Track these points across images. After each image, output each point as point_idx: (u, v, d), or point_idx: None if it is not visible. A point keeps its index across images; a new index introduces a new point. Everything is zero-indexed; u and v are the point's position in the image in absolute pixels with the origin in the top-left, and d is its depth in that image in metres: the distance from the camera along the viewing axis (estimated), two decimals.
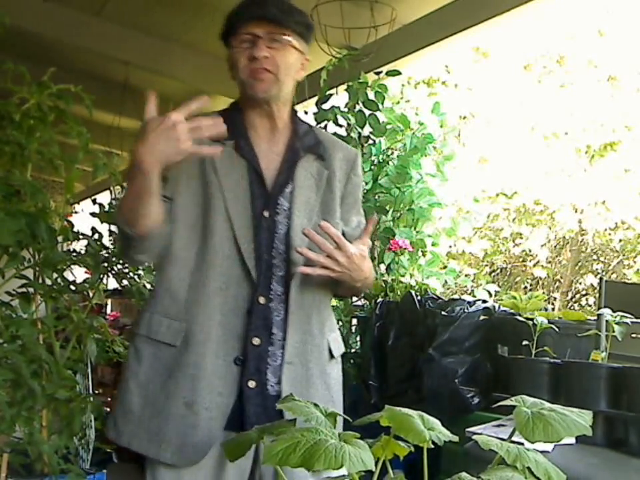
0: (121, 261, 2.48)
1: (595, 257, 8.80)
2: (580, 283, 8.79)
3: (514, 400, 1.01)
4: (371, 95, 3.28)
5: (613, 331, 1.91)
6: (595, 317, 2.01)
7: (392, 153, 3.30)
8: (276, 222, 1.45)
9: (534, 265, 8.83)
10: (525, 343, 2.05)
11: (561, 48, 7.84)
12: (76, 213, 3.31)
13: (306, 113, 3.39)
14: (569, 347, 2.06)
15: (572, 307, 8.46)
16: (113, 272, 2.51)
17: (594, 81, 7.62)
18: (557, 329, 2.05)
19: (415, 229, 3.20)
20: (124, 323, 5.32)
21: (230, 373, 1.39)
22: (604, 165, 7.64)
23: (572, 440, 1.72)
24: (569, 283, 8.73)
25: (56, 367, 2.09)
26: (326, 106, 3.36)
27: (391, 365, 2.63)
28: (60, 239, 2.19)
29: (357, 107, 3.29)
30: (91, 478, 2.34)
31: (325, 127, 3.26)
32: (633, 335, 2.01)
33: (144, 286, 2.66)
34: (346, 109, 3.32)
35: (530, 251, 8.65)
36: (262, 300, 1.42)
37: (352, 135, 3.27)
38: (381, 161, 3.28)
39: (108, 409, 1.42)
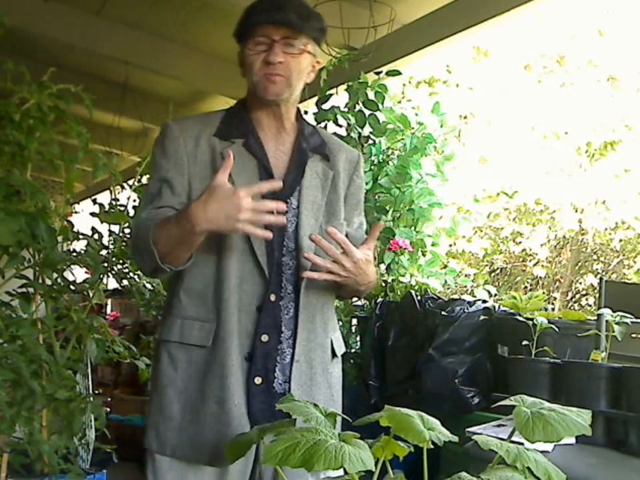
0: (121, 261, 2.48)
1: (595, 256, 8.79)
2: (580, 283, 8.77)
3: (514, 400, 1.01)
4: (371, 95, 3.28)
5: (613, 331, 1.91)
6: (595, 317, 2.01)
7: (392, 153, 3.31)
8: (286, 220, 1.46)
9: (534, 265, 8.82)
10: (525, 343, 2.05)
11: (560, 48, 7.83)
12: (76, 212, 3.32)
13: (306, 112, 3.38)
14: (568, 347, 2.06)
15: (572, 307, 8.44)
16: (113, 272, 2.51)
17: (594, 81, 7.61)
18: (556, 329, 2.05)
19: (415, 228, 3.20)
20: (124, 323, 5.32)
21: (240, 369, 1.40)
22: (604, 165, 7.63)
23: (572, 440, 1.72)
24: (569, 283, 8.72)
25: (56, 367, 2.09)
26: (326, 106, 3.36)
27: (391, 365, 2.63)
28: (60, 238, 2.19)
29: (357, 107, 3.29)
30: (90, 478, 2.34)
31: (325, 127, 3.26)
32: (633, 335, 2.02)
33: (144, 286, 2.67)
34: (346, 109, 3.32)
35: (530, 250, 8.64)
36: (273, 297, 1.43)
37: (352, 135, 3.27)
38: (381, 161, 3.28)
39: (146, 418, 1.43)
